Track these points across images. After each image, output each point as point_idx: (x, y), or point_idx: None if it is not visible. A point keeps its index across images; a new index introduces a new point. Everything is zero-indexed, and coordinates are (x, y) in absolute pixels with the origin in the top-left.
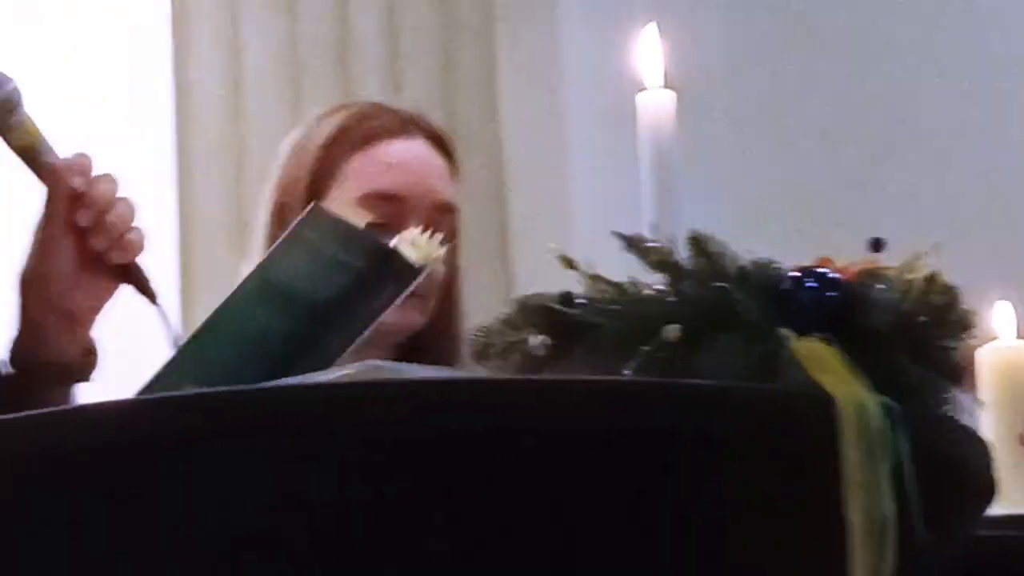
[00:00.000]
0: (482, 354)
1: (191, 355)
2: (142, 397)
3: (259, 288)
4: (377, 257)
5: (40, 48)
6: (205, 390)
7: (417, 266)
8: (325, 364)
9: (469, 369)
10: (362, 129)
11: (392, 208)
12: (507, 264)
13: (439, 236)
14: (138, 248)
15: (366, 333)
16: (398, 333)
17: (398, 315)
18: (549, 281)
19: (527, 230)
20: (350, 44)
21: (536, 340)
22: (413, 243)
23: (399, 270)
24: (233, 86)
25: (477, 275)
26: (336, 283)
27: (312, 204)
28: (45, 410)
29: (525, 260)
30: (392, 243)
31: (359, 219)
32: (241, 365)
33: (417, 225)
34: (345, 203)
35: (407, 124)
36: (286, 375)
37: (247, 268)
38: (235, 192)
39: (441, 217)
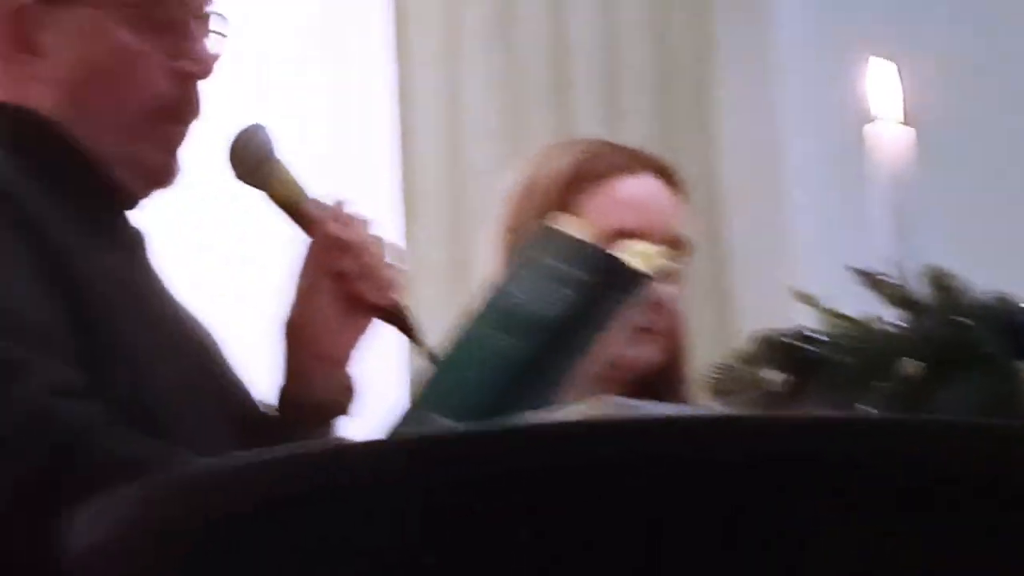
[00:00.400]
0: (720, 390)
1: (437, 385)
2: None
3: (494, 312)
4: (602, 266)
5: (264, 94)
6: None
7: (642, 273)
8: (562, 383)
9: (702, 406)
10: (594, 167)
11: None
12: (725, 300)
13: (661, 247)
14: (396, 285)
15: (598, 348)
16: (634, 369)
17: (636, 350)
18: (769, 317)
19: (746, 266)
20: (568, 83)
21: (775, 376)
22: (636, 253)
23: (625, 278)
24: (454, 125)
25: (695, 312)
26: (564, 297)
27: (542, 225)
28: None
29: (744, 296)
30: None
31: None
32: (485, 392)
33: None
34: None
35: (637, 161)
36: (528, 397)
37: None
38: (459, 231)
39: (675, 252)
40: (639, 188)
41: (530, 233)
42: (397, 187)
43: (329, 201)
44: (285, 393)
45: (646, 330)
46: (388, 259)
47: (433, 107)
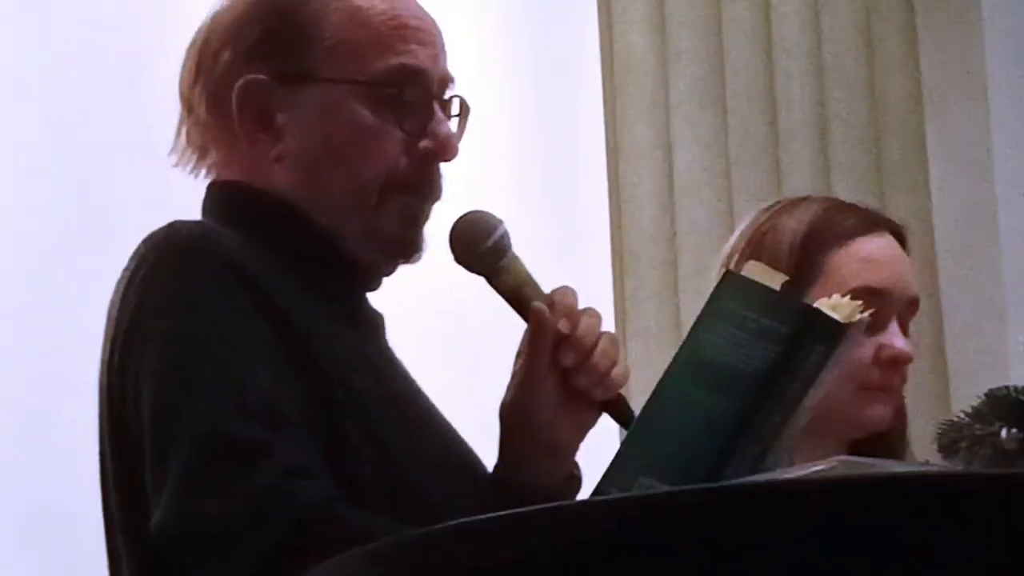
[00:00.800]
0: (950, 448)
1: (638, 445)
2: (602, 499)
3: (690, 367)
4: (801, 319)
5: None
6: (669, 489)
7: (843, 324)
8: (772, 440)
9: (933, 464)
10: (835, 225)
11: (873, 304)
12: (942, 357)
13: (858, 302)
14: (620, 384)
15: (807, 406)
16: (866, 428)
17: (870, 409)
18: (987, 375)
19: (960, 321)
20: (780, 137)
21: (1007, 433)
22: (832, 306)
23: (826, 330)
24: (665, 182)
25: (912, 369)
26: (765, 352)
27: (724, 272)
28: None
29: (957, 350)
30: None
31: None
32: (687, 449)
33: (893, 317)
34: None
35: (875, 220)
36: (732, 454)
37: None
38: (670, 290)
39: (910, 312)
40: (881, 247)
41: (718, 283)
42: (609, 245)
43: (560, 292)
44: (501, 476)
45: (881, 389)
46: (612, 352)
47: (645, 164)
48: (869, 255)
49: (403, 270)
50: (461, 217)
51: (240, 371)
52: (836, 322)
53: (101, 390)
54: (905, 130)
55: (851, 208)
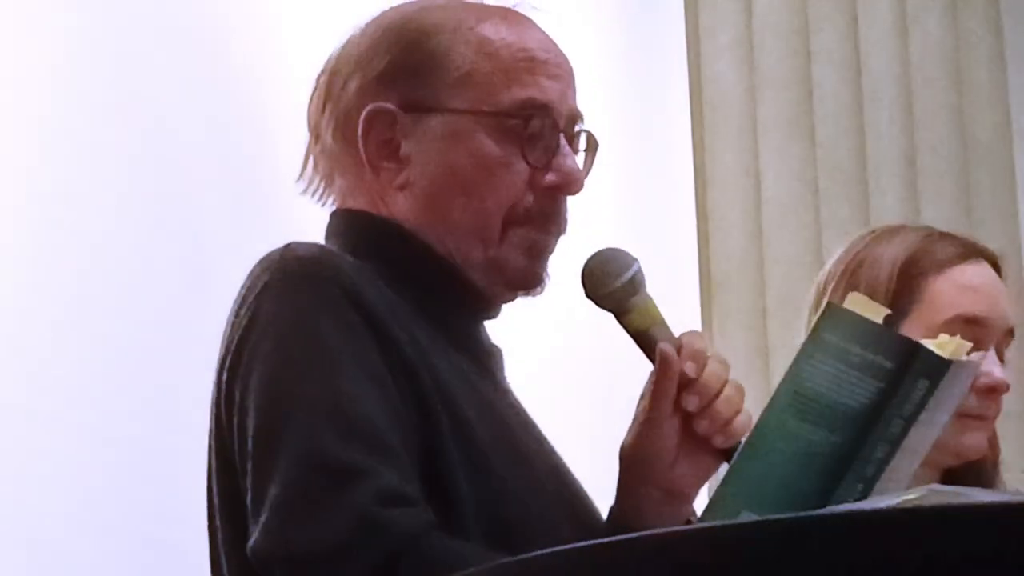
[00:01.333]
0: None
1: (740, 478)
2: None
3: (792, 401)
4: (905, 354)
5: None
6: (765, 518)
7: (947, 360)
8: (873, 478)
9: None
10: (935, 253)
11: (972, 332)
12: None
13: (967, 343)
14: (742, 433)
15: (914, 441)
16: (962, 457)
17: (967, 437)
18: None
19: None
20: (867, 167)
21: None
22: (938, 345)
23: (930, 365)
24: (754, 211)
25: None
26: (868, 387)
27: (826, 304)
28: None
29: None
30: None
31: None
32: (789, 484)
33: (991, 346)
34: (929, 325)
35: (972, 249)
36: (836, 490)
37: None
38: (758, 319)
39: (1007, 341)
40: (979, 275)
41: (820, 315)
42: (696, 273)
43: (689, 336)
44: (615, 516)
45: (977, 417)
46: (736, 400)
47: (733, 193)
48: (967, 283)
49: (529, 304)
50: (596, 252)
51: (342, 394)
52: (939, 357)
53: (211, 411)
54: (994, 159)
55: (948, 237)
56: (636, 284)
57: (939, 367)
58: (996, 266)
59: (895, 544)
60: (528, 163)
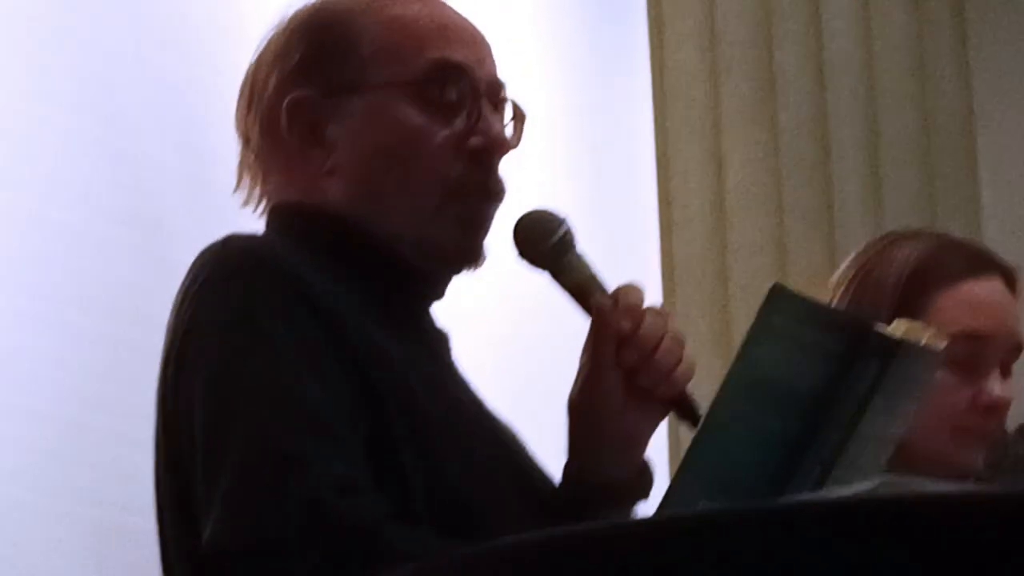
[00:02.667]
0: (995, 466)
1: (697, 467)
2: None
3: (743, 386)
4: (854, 334)
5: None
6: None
7: (897, 339)
8: (830, 462)
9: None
10: (943, 265)
11: (976, 348)
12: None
13: (929, 328)
14: (683, 383)
15: (874, 429)
16: (955, 471)
17: (962, 453)
18: None
19: None
20: (830, 155)
21: None
22: (905, 331)
23: (880, 346)
24: (716, 199)
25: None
26: (819, 369)
27: (772, 285)
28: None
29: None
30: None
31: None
32: (746, 470)
33: (995, 364)
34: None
35: (985, 263)
36: (793, 475)
37: None
38: (720, 306)
39: (1013, 356)
40: (988, 292)
41: (765, 298)
42: (658, 261)
43: (625, 289)
44: (569, 472)
45: (976, 435)
46: (676, 350)
47: (695, 180)
48: (975, 300)
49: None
50: (526, 213)
51: (287, 384)
52: (889, 337)
53: (157, 403)
54: (956, 146)
55: (962, 247)
56: (567, 242)
57: (889, 347)
58: (1010, 279)
59: (843, 535)
60: (453, 130)
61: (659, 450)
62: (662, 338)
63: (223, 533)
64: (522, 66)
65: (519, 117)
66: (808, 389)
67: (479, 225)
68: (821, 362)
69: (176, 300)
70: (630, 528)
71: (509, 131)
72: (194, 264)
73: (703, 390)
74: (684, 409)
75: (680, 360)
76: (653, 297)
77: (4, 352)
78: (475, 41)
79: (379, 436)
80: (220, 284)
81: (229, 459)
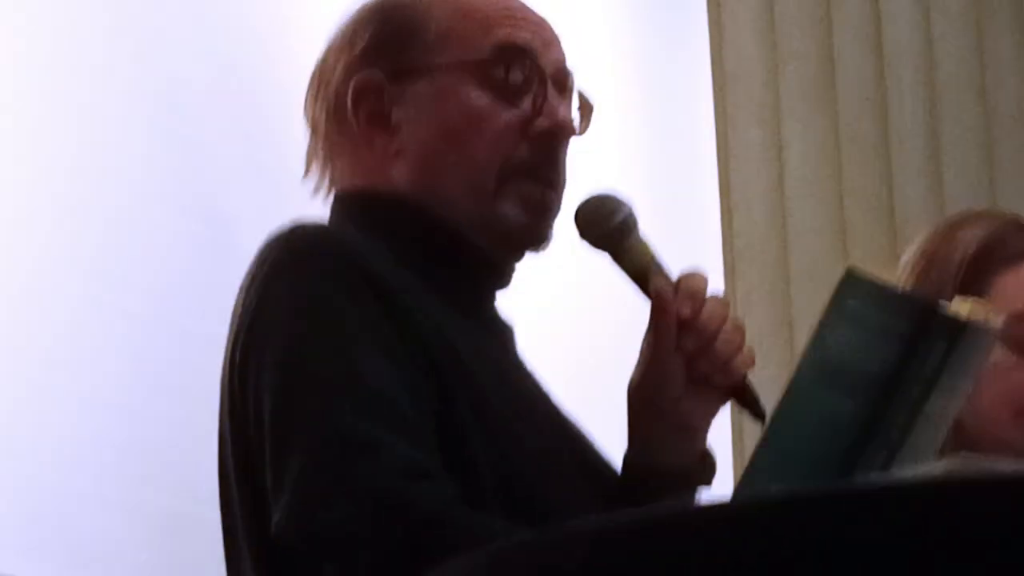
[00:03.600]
0: None
1: (769, 451)
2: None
3: (815, 369)
4: (922, 316)
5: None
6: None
7: (964, 321)
8: (897, 443)
9: None
10: (1009, 247)
11: None
12: None
13: (989, 306)
14: (743, 371)
15: (937, 408)
16: (1019, 453)
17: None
18: None
19: None
20: (890, 139)
21: None
22: (962, 305)
23: (947, 327)
24: (776, 184)
25: None
26: (887, 351)
27: (847, 269)
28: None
29: None
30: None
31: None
32: (815, 454)
33: None
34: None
35: None
36: (860, 457)
37: None
38: (781, 291)
39: None
40: None
41: (839, 283)
42: (719, 246)
43: (688, 276)
44: (630, 458)
45: None
46: (736, 339)
47: (755, 166)
48: None
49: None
50: (588, 196)
51: (358, 369)
52: (955, 318)
53: (223, 390)
54: (1017, 131)
55: (1022, 229)
56: (630, 225)
57: (956, 328)
58: None
59: (919, 515)
60: (519, 112)
61: (723, 441)
62: (722, 325)
63: (293, 518)
64: (583, 54)
65: (586, 107)
66: (877, 371)
67: (542, 208)
68: (890, 344)
69: (242, 287)
70: (699, 512)
71: (576, 118)
72: (260, 252)
73: (765, 374)
74: (743, 397)
75: (740, 348)
76: (714, 282)
77: (68, 340)
78: (541, 26)
79: (447, 424)
80: (287, 271)
81: (298, 445)
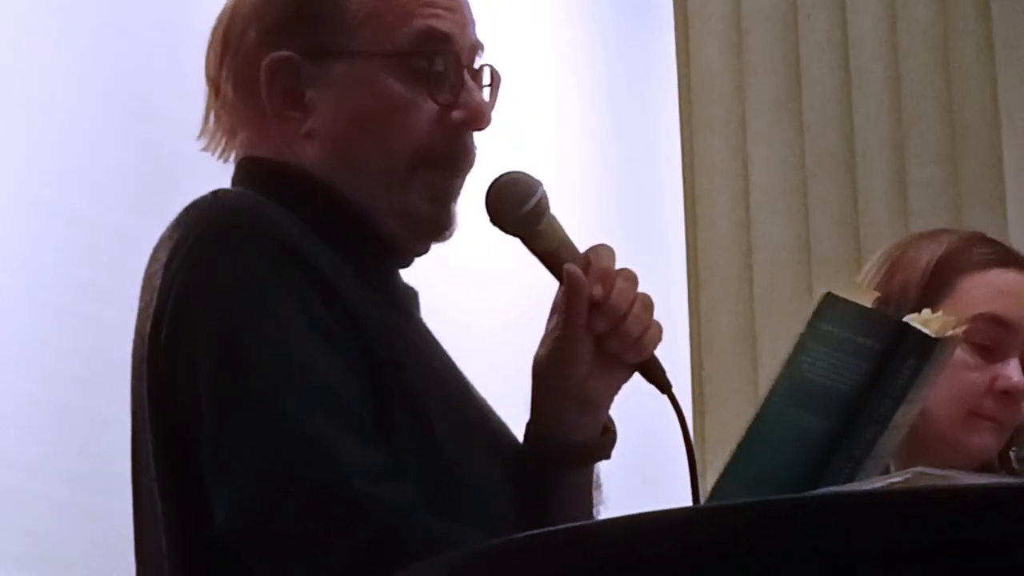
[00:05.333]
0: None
1: (740, 468)
2: (698, 506)
3: (787, 389)
4: (894, 335)
5: (549, 160)
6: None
7: (935, 338)
8: (867, 458)
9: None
10: (974, 253)
11: (998, 333)
12: None
13: (950, 317)
14: (652, 346)
15: (900, 418)
16: (971, 457)
17: (977, 437)
18: None
19: None
20: (856, 153)
21: None
22: (924, 321)
23: (917, 344)
24: (742, 196)
25: None
26: (858, 369)
27: (825, 294)
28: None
29: None
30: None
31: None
32: (787, 471)
33: (1016, 354)
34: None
35: (1012, 256)
36: (824, 472)
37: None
38: (745, 304)
39: None
40: (1017, 281)
41: (818, 306)
42: (683, 258)
43: (596, 251)
44: (533, 430)
45: (990, 419)
46: (645, 316)
47: (721, 178)
48: (1003, 285)
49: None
50: (500, 177)
51: (298, 356)
52: (927, 337)
53: (141, 364)
54: (981, 145)
55: (993, 242)
56: (543, 208)
57: (927, 346)
58: None
59: (877, 527)
60: (435, 101)
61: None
62: (632, 304)
63: (241, 518)
64: (548, 64)
65: (495, 82)
66: (848, 389)
67: (449, 196)
68: (861, 363)
69: (162, 253)
70: (660, 517)
71: (486, 95)
72: (180, 219)
73: (728, 386)
74: (651, 373)
75: (649, 325)
76: (678, 294)
77: (24, 342)
78: (457, 5)
79: (380, 406)
80: (215, 248)
81: (245, 438)
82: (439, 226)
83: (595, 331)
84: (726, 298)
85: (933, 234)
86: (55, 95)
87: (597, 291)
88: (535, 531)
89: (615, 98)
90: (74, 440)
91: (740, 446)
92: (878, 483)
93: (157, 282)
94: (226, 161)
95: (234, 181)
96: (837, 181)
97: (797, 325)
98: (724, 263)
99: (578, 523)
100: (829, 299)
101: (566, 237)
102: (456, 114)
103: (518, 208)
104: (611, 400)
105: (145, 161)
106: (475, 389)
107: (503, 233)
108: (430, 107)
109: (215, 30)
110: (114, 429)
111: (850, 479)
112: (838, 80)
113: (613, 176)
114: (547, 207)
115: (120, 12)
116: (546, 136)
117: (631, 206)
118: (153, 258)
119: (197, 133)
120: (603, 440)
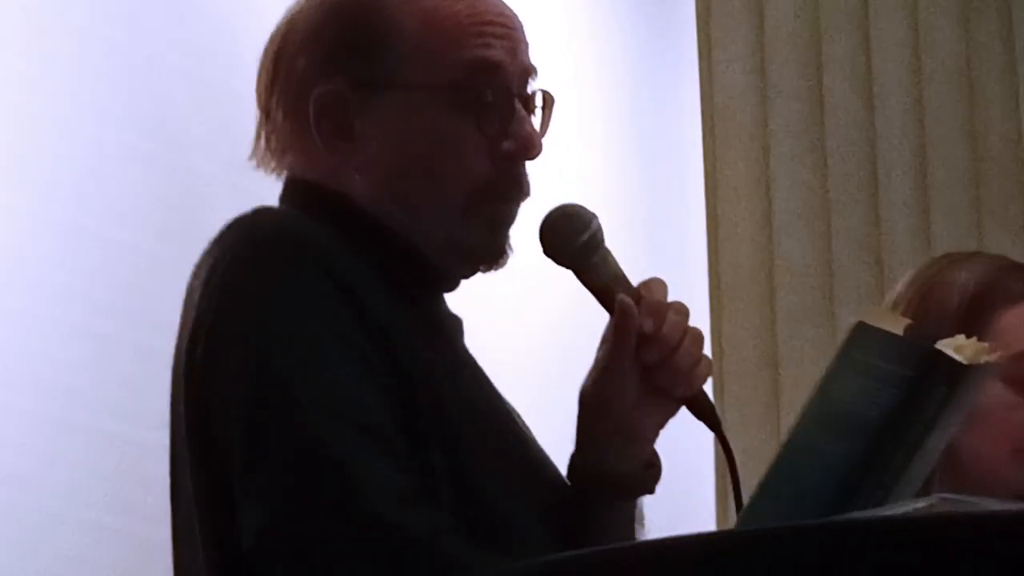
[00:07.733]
0: None
1: (768, 497)
2: (724, 532)
3: (817, 418)
4: (926, 362)
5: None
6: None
7: (965, 365)
8: (896, 485)
9: None
10: (1007, 288)
11: None
12: None
13: (983, 344)
14: (702, 380)
15: (931, 445)
16: (1013, 491)
17: (1021, 472)
18: None
19: None
20: (878, 177)
21: None
22: (957, 347)
23: (949, 371)
24: (764, 221)
25: None
26: (889, 396)
27: (857, 323)
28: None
29: None
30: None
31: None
32: (815, 499)
33: None
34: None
35: None
36: (854, 499)
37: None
38: (767, 328)
39: None
40: None
41: (849, 334)
42: (705, 282)
43: (649, 286)
44: (578, 461)
45: None
46: (695, 351)
47: (743, 202)
48: None
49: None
50: (555, 209)
51: (332, 379)
52: (958, 363)
53: (179, 381)
54: (1005, 170)
55: (1021, 269)
56: (597, 241)
57: (959, 373)
58: None
59: (903, 552)
60: (484, 133)
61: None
62: (683, 338)
63: (269, 537)
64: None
65: (548, 104)
66: (878, 417)
67: (505, 225)
68: (892, 390)
69: (203, 270)
70: (690, 543)
71: (538, 121)
72: (222, 236)
73: (750, 410)
74: (699, 407)
75: (698, 360)
76: (700, 318)
77: (41, 360)
78: (509, 31)
79: (413, 433)
80: (253, 267)
81: (275, 460)
82: (494, 255)
83: (645, 363)
84: (749, 321)
85: (958, 262)
86: (72, 114)
87: (648, 325)
88: (566, 556)
89: (638, 122)
90: (106, 464)
91: (770, 471)
92: (900, 509)
93: (196, 298)
94: (279, 176)
95: (281, 199)
96: (859, 205)
97: (820, 349)
98: (746, 287)
99: (610, 549)
100: (861, 328)
101: (619, 270)
102: (506, 145)
103: (573, 241)
104: (657, 434)
105: (160, 181)
106: (519, 418)
107: (556, 264)
108: (480, 139)
109: (266, 51)
110: (152, 453)
111: (879, 505)
112: (860, 104)
113: (636, 200)
114: (601, 240)
115: (134, 32)
116: (571, 160)
117: (654, 230)
118: (194, 275)
119: (213, 153)
120: (648, 474)
